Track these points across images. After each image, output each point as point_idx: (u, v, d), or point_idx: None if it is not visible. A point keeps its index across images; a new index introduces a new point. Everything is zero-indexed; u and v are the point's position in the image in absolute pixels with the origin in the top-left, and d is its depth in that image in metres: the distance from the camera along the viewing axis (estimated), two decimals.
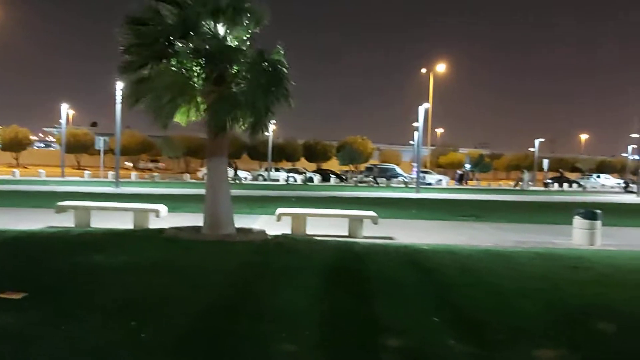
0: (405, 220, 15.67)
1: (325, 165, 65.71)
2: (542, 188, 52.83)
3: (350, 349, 4.53)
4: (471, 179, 57.74)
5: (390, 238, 11.42)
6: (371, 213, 12.16)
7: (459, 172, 57.20)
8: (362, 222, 11.78)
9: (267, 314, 5.38)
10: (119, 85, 22.10)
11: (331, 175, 53.53)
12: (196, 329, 4.88)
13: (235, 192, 12.71)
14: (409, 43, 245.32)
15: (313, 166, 65.79)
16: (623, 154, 69.96)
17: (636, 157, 50.62)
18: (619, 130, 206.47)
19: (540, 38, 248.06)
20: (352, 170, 56.64)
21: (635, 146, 51.86)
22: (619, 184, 56.47)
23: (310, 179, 50.22)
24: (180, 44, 9.96)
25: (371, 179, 49.22)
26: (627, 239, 12.39)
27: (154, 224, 11.77)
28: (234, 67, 10.10)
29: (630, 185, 48.04)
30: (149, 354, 4.28)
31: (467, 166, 57.73)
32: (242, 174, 50.04)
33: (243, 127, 10.16)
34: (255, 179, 50.92)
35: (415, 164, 44.90)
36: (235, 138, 54.31)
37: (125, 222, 11.87)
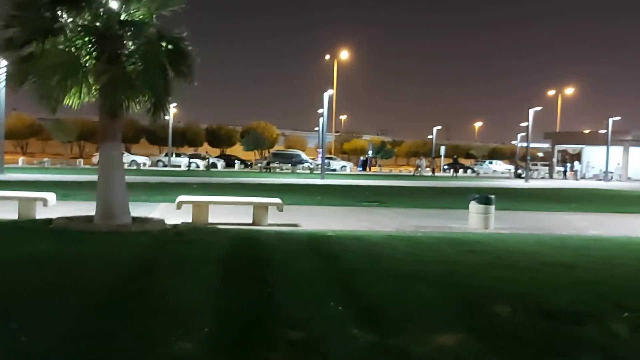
0: (310, 206, 15.66)
1: (229, 151, 64.86)
2: (439, 174, 55.17)
3: (251, 343, 4.34)
4: (374, 165, 59.19)
5: (296, 225, 11.32)
6: (276, 200, 12.00)
7: (362, 158, 58.45)
8: (267, 210, 11.58)
9: (163, 309, 5.06)
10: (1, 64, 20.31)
11: (235, 160, 52.81)
12: (83, 330, 4.49)
13: (132, 178, 12.07)
14: (313, 30, 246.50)
15: (217, 151, 64.60)
16: (512, 142, 74.58)
17: (524, 144, 54.11)
18: (509, 118, 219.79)
19: (440, 23, 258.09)
20: (265, 157, 55.94)
21: (523, 134, 55.41)
22: (508, 169, 60.19)
23: (214, 165, 49.26)
24: (68, 19, 9.22)
25: (275, 165, 49.07)
26: (517, 223, 13.09)
27: (41, 213, 10.91)
28: (129, 46, 9.50)
29: (519, 171, 51.26)
30: (28, 359, 3.86)
31: (370, 153, 59.09)
32: (140, 159, 48.20)
33: (137, 109, 9.62)
34: (154, 164, 49.20)
35: (320, 150, 45.28)
36: (133, 121, 52.15)
37: (8, 212, 10.90)
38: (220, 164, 50.59)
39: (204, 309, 5.13)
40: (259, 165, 51.25)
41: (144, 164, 47.24)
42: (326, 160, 42.06)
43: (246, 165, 52.26)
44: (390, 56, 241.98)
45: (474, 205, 12.11)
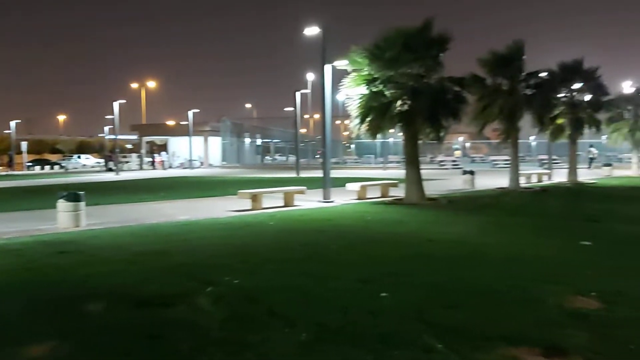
0: None
1: None
2: (23, 172, 50.34)
3: None
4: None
5: None
6: None
7: None
8: None
9: None
10: None
11: None
12: None
13: None
14: None
15: None
16: (100, 135, 73.49)
17: (112, 137, 53.98)
18: (95, 112, 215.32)
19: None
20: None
21: (111, 126, 55.21)
22: (99, 163, 59.18)
23: None
24: None
25: None
26: (110, 217, 13.03)
27: None
28: None
29: (110, 164, 50.83)
30: None
31: None
32: None
33: None
34: None
35: None
36: None
37: None
38: None
39: None
40: None
41: None
42: None
43: None
44: None
45: (62, 204, 11.54)
